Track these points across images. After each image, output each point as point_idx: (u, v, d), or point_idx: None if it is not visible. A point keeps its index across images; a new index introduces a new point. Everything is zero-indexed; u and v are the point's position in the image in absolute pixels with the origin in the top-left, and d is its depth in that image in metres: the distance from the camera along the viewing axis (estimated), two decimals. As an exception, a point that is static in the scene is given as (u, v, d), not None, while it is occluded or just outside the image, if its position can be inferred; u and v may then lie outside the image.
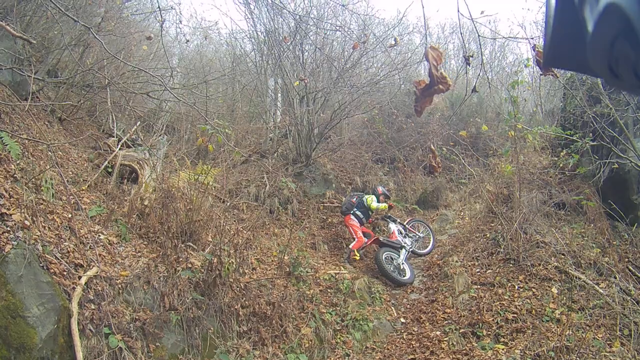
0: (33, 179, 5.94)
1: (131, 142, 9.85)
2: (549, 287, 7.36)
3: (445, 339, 6.93)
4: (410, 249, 9.81)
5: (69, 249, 5.38)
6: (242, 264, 6.99)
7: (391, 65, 12.61)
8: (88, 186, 7.47)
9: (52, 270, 4.85)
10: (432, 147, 5.35)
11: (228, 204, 9.45)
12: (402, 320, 7.99)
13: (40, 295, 4.41)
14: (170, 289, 5.82)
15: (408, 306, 8.43)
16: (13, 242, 4.57)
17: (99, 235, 6.16)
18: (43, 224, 5.34)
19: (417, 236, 10.30)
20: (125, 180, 8.53)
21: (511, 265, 8.00)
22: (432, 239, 10.59)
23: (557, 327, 6.43)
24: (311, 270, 8.35)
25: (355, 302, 7.97)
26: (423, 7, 6.99)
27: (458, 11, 3.78)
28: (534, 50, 4.69)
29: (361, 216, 10.00)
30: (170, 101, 12.31)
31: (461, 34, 5.42)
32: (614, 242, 8.28)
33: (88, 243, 5.78)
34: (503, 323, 6.82)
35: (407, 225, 10.36)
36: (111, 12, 10.44)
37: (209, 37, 16.99)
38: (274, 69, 12.97)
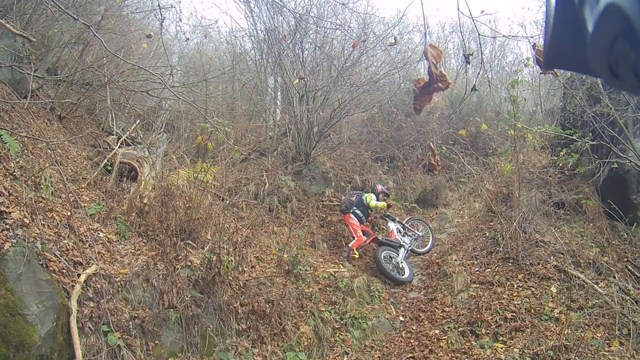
0: (32, 177, 5.94)
1: (131, 140, 9.85)
2: (548, 286, 7.36)
3: (444, 337, 6.93)
4: (409, 248, 9.82)
5: (68, 247, 5.38)
6: (242, 262, 6.99)
7: (391, 64, 12.61)
8: (87, 184, 7.46)
9: (51, 268, 4.85)
10: (432, 145, 5.34)
11: (227, 202, 9.45)
12: (401, 318, 8.00)
13: (39, 293, 4.41)
14: (169, 287, 5.82)
15: (407, 305, 8.44)
16: (12, 240, 4.56)
17: (98, 233, 6.16)
18: (42, 222, 5.34)
19: (416, 235, 10.31)
20: (125, 178, 8.53)
21: (510, 264, 8.01)
22: (431, 238, 10.60)
23: (556, 326, 6.43)
24: (310, 268, 8.35)
25: (354, 300, 7.97)
26: (422, 5, 7.00)
27: (458, 9, 3.78)
28: (533, 49, 4.69)
29: (361, 215, 10.00)
30: (169, 99, 12.31)
31: (461, 32, 5.43)
32: (613, 242, 8.28)
33: (87, 241, 5.78)
34: (502, 322, 6.82)
35: (406, 224, 10.37)
36: (111, 10, 10.43)
37: (208, 35, 16.97)
38: (273, 68, 12.97)
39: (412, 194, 13.30)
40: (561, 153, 9.26)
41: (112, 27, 9.88)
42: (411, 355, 6.77)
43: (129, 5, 12.36)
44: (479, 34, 4.77)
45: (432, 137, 13.91)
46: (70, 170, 7.55)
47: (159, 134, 11.25)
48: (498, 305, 7.16)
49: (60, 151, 7.79)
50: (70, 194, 6.46)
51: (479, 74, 4.80)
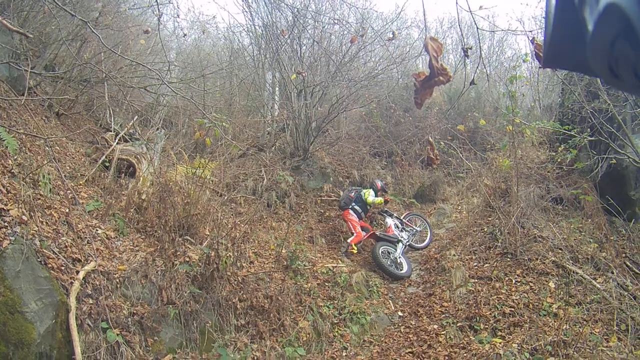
0: (30, 174, 5.93)
1: (129, 136, 9.84)
2: (546, 281, 7.38)
3: (443, 332, 6.95)
4: (407, 243, 9.84)
5: (66, 244, 5.38)
6: (240, 258, 6.99)
7: (389, 60, 12.59)
8: (85, 181, 7.45)
9: (49, 265, 4.85)
10: (430, 139, 5.33)
11: (226, 197, 9.46)
12: (400, 313, 8.01)
13: (38, 291, 4.41)
14: (168, 283, 5.82)
15: (405, 300, 8.45)
16: (11, 238, 4.56)
17: (97, 230, 6.16)
18: (41, 219, 5.34)
19: (414, 230, 10.32)
20: (123, 174, 8.52)
21: (509, 259, 8.02)
22: (429, 233, 10.61)
23: (555, 322, 6.45)
24: (309, 263, 8.37)
25: (352, 295, 7.98)
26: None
27: (457, 3, 3.77)
28: (532, 43, 4.67)
29: (360, 211, 10.00)
30: (167, 95, 12.27)
31: (460, 27, 5.41)
32: (612, 238, 8.30)
33: (86, 238, 5.78)
34: (500, 317, 6.84)
35: (403, 220, 10.37)
36: (108, 7, 10.40)
37: (206, 31, 16.92)
38: (271, 63, 12.95)
39: (410, 189, 13.30)
40: (559, 149, 9.26)
41: (109, 24, 9.83)
42: (410, 350, 6.78)
43: (127, 1, 12.33)
44: (477, 28, 4.75)
45: (431, 132, 13.90)
46: (68, 167, 7.54)
47: (157, 130, 11.23)
48: (496, 301, 7.17)
49: (58, 148, 7.78)
50: (69, 191, 6.46)
51: (477, 68, 4.80)
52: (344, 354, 6.82)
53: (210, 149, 11.24)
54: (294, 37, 11.98)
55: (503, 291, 7.37)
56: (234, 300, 6.32)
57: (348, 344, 7.01)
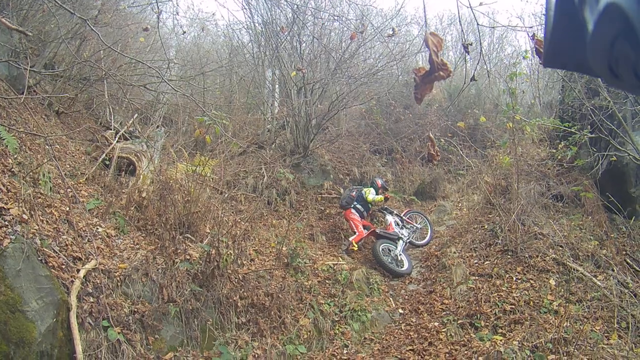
0: (31, 173, 5.93)
1: (129, 134, 9.84)
2: (546, 278, 7.38)
3: (444, 329, 6.95)
4: (408, 240, 9.85)
5: (67, 243, 5.38)
6: (241, 255, 7.00)
7: (389, 56, 12.57)
8: (86, 179, 7.45)
9: (50, 264, 4.85)
10: (431, 135, 5.32)
11: (226, 195, 9.45)
12: (400, 311, 8.02)
13: (38, 289, 4.41)
14: (168, 280, 5.83)
15: (406, 297, 8.46)
16: (11, 236, 4.56)
17: (97, 228, 6.16)
18: (41, 218, 5.34)
19: (415, 227, 10.32)
20: (123, 172, 8.52)
21: (509, 256, 8.02)
22: (429, 230, 10.63)
23: (555, 319, 6.45)
24: (309, 261, 8.37)
25: (353, 293, 7.99)
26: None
27: None
28: (532, 40, 4.67)
29: (362, 209, 10.03)
30: (167, 93, 12.26)
31: (460, 23, 5.40)
32: (612, 235, 8.30)
33: (86, 236, 5.78)
34: (501, 314, 6.84)
35: (404, 217, 10.38)
36: (108, 5, 10.38)
37: (206, 28, 16.93)
38: (271, 60, 12.94)
39: (410, 186, 13.30)
40: (560, 146, 9.26)
41: (108, 21, 9.83)
42: (410, 347, 6.79)
43: (126, -1, 12.31)
44: (477, 24, 4.74)
45: (431, 129, 13.87)
46: (68, 166, 7.54)
47: (157, 127, 11.23)
48: (497, 298, 7.18)
49: (58, 146, 7.78)
50: (69, 189, 6.46)
51: (477, 64, 4.79)
52: (344, 351, 6.83)
53: (211, 147, 11.24)
54: (293, 34, 11.97)
55: (504, 288, 7.37)
56: (234, 298, 6.32)
57: (349, 342, 7.02)
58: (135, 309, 5.34)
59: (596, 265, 7.60)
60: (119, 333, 4.90)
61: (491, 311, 6.95)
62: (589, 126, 8.46)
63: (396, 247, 9.43)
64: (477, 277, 7.86)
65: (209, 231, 7.32)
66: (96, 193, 7.26)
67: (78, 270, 5.10)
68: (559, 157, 9.44)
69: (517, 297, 7.08)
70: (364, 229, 9.84)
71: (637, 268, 7.57)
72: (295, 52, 12.31)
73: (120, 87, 10.44)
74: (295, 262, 7.88)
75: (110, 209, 6.77)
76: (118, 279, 5.46)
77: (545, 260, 7.71)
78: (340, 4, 13.16)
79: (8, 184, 5.38)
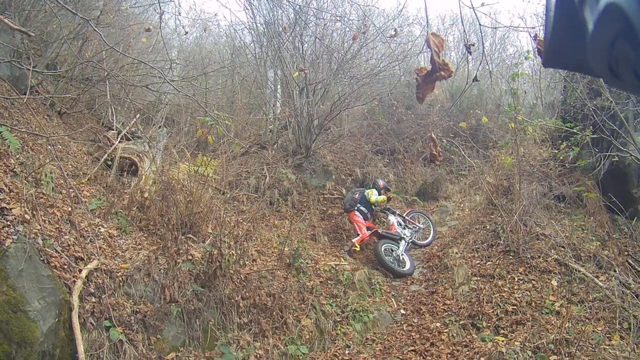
0: (33, 173, 5.94)
1: (131, 134, 9.86)
2: (548, 279, 7.37)
3: (445, 330, 6.95)
4: (410, 240, 9.86)
5: (69, 243, 5.39)
6: (243, 256, 7.01)
7: (391, 57, 12.57)
8: (88, 179, 7.47)
9: (52, 264, 4.85)
10: (433, 136, 5.33)
11: (228, 195, 9.46)
12: (402, 311, 8.02)
13: (41, 289, 4.42)
14: (170, 281, 5.83)
15: (408, 297, 8.45)
16: (13, 237, 4.57)
17: (99, 228, 6.17)
18: (43, 218, 5.34)
19: (417, 227, 10.33)
20: (125, 173, 8.54)
21: (511, 257, 8.02)
22: (432, 231, 10.62)
23: (557, 320, 6.45)
24: (311, 261, 8.37)
25: (355, 293, 7.99)
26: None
27: None
28: (534, 40, 4.67)
29: (365, 211, 10.04)
30: (169, 93, 12.28)
31: (462, 23, 5.40)
32: (614, 235, 8.28)
33: (88, 236, 5.79)
34: (503, 315, 6.84)
35: (406, 217, 10.39)
36: (110, 5, 10.41)
37: (208, 29, 16.92)
38: (273, 61, 12.94)
39: (412, 186, 13.30)
40: (562, 146, 9.24)
41: (111, 22, 9.86)
42: (412, 348, 6.78)
43: (128, -1, 12.33)
44: (480, 25, 4.74)
45: (433, 129, 13.87)
46: (70, 166, 7.55)
47: (159, 128, 11.26)
48: (499, 298, 7.17)
49: (60, 147, 7.80)
50: (71, 190, 6.47)
51: (479, 65, 4.78)
52: (346, 352, 6.83)
53: (213, 147, 11.24)
54: (295, 35, 11.98)
55: (505, 289, 7.37)
56: (236, 299, 6.33)
57: (351, 342, 7.02)
58: (138, 309, 5.34)
59: (598, 266, 7.59)
60: (121, 333, 4.91)
61: (493, 312, 6.94)
62: (591, 127, 8.44)
63: (398, 247, 9.43)
64: (479, 278, 7.86)
65: (211, 231, 7.32)
66: (98, 193, 7.27)
67: (80, 270, 5.10)
68: (561, 158, 9.42)
69: (519, 297, 7.08)
70: (367, 230, 9.83)
71: (639, 269, 7.56)
72: (297, 53, 12.32)
73: (122, 87, 10.46)
74: (297, 263, 7.88)
75: (112, 209, 6.78)
76: (120, 279, 5.46)
77: (547, 260, 7.70)
78: (343, 5, 13.19)
79: (10, 184, 5.39)
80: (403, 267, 9.21)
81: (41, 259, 4.71)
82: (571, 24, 0.82)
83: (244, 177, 10.91)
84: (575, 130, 8.47)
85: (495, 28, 11.11)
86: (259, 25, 13.17)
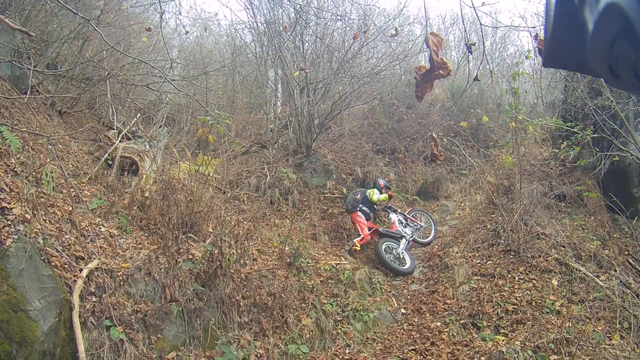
0: (33, 173, 5.94)
1: (131, 134, 9.86)
2: (549, 279, 7.37)
3: (446, 329, 6.95)
4: (411, 238, 9.86)
5: (69, 242, 5.39)
6: (243, 255, 7.01)
7: (392, 56, 12.56)
8: (88, 179, 7.47)
9: (53, 264, 4.86)
10: (434, 135, 5.33)
11: (229, 195, 9.46)
12: (403, 310, 8.01)
13: (41, 289, 4.42)
14: (171, 280, 5.83)
15: (408, 297, 8.45)
16: (14, 236, 4.57)
17: (100, 228, 6.17)
18: (44, 218, 5.35)
19: (418, 225, 10.33)
20: (126, 172, 8.54)
21: (511, 256, 8.01)
22: (433, 229, 10.63)
23: (557, 319, 6.44)
24: (312, 260, 8.37)
25: (356, 292, 7.99)
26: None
27: (460, -1, 3.77)
28: (535, 39, 4.67)
29: (368, 211, 10.02)
30: (170, 93, 12.29)
31: (463, 22, 5.39)
32: (614, 235, 8.27)
33: (89, 236, 5.79)
34: (503, 314, 6.84)
35: (408, 215, 10.39)
36: (110, 5, 10.41)
37: (208, 28, 16.91)
38: (274, 60, 12.93)
39: (413, 186, 13.29)
40: (562, 145, 9.23)
41: (111, 21, 9.86)
42: (413, 347, 6.78)
43: (129, -1, 12.33)
44: (480, 24, 4.74)
45: (434, 129, 13.87)
46: (71, 165, 7.56)
47: (160, 127, 11.25)
48: (499, 298, 7.17)
49: (61, 146, 7.80)
50: (72, 189, 6.47)
51: (480, 65, 4.78)
52: (347, 351, 6.84)
53: (213, 147, 11.26)
54: (296, 34, 11.97)
55: (506, 288, 7.36)
56: (237, 298, 6.33)
57: (351, 341, 7.02)
58: (138, 309, 5.34)
59: (598, 265, 7.59)
60: (121, 332, 4.91)
61: (493, 311, 6.94)
62: (591, 126, 8.44)
63: (399, 245, 9.44)
64: (479, 277, 7.86)
65: (211, 231, 7.33)
66: (99, 193, 7.28)
67: (81, 270, 5.11)
68: (562, 157, 9.41)
69: (519, 297, 7.08)
70: (368, 230, 9.83)
71: (639, 268, 7.56)
72: (297, 52, 12.32)
73: (123, 86, 10.47)
74: (297, 262, 7.89)
75: (112, 208, 6.78)
76: (121, 278, 5.47)
77: (547, 260, 7.69)
78: (343, 4, 13.21)
79: (11, 183, 5.39)
80: (403, 266, 9.21)
81: (42, 258, 4.72)
82: (571, 24, 0.82)
83: (245, 177, 10.92)
84: (575, 130, 8.47)
85: (496, 27, 11.11)
86: (259, 24, 13.17)
